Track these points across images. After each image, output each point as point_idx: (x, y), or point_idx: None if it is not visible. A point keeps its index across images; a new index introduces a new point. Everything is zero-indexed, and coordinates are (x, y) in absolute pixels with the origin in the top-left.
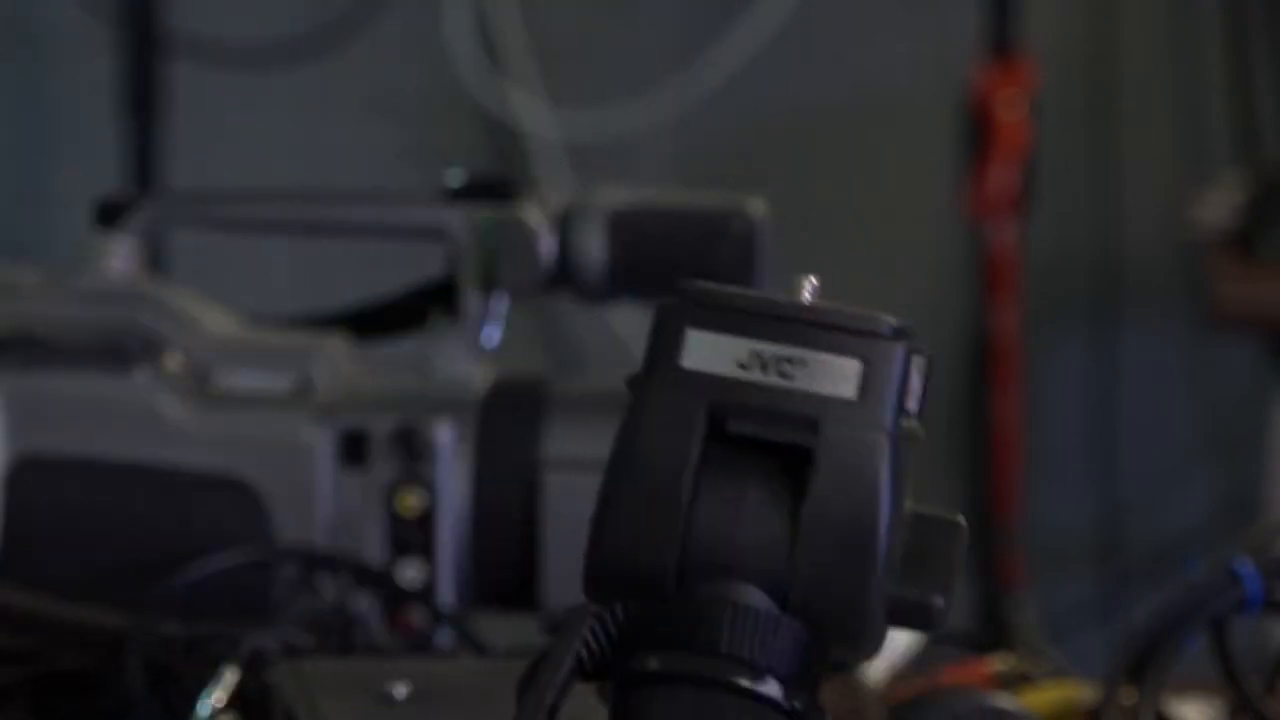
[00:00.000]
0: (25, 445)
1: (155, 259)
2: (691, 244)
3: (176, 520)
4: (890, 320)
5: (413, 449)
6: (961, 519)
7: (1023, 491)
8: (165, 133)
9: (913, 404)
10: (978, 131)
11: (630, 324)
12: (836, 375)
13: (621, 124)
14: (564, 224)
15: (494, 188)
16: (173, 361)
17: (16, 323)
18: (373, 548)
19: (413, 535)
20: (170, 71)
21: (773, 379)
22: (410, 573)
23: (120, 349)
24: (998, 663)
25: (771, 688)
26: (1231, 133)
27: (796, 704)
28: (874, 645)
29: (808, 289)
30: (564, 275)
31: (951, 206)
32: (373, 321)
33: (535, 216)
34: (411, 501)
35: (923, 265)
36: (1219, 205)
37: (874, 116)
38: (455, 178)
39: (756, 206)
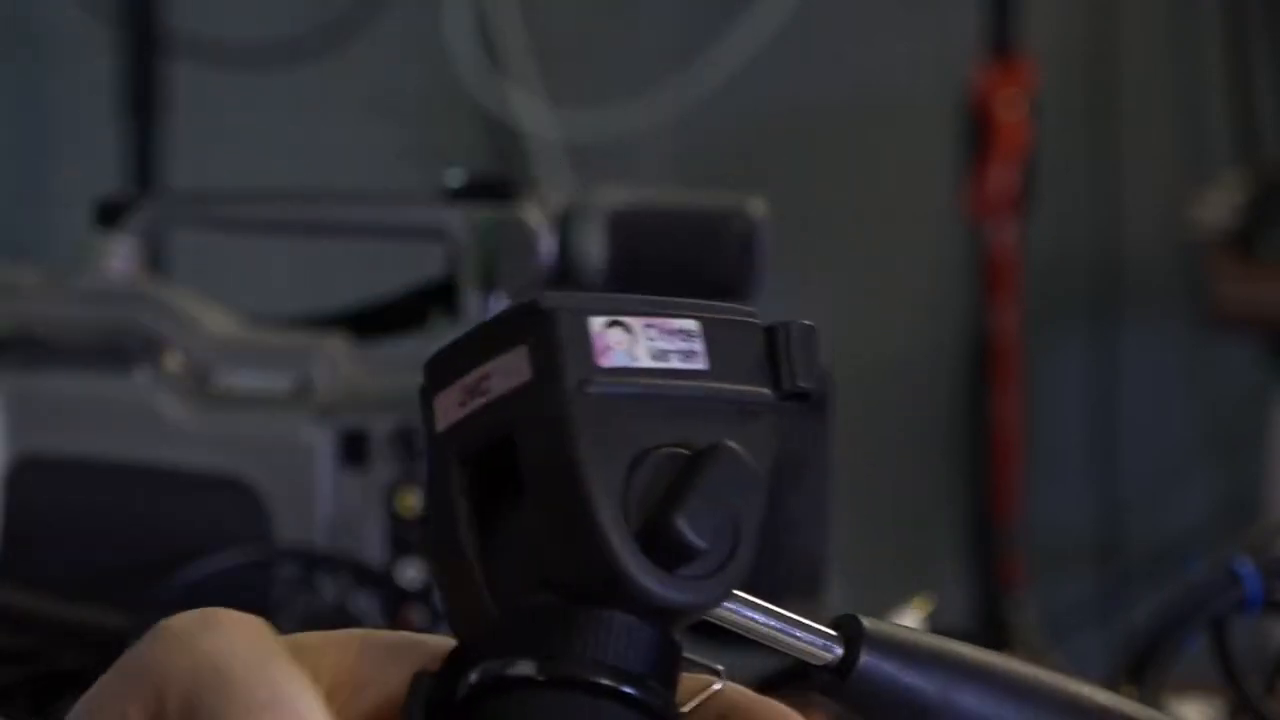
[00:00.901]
0: (25, 445)
1: (155, 259)
2: (691, 244)
3: (176, 520)
4: (542, 301)
5: (413, 449)
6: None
7: (1023, 491)
8: (165, 133)
9: (608, 359)
10: (978, 131)
11: None
12: (511, 371)
13: (621, 124)
14: (564, 224)
15: (494, 188)
16: (173, 361)
17: (16, 323)
18: (373, 548)
19: (413, 535)
20: (170, 71)
21: (478, 401)
22: (410, 573)
23: (120, 349)
24: None
25: (644, 690)
26: (1231, 133)
27: (663, 705)
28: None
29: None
30: (564, 275)
31: (951, 206)
32: (373, 321)
33: (535, 216)
34: (411, 501)
35: (923, 265)
36: (1219, 205)
37: (874, 116)
38: (455, 178)
39: (756, 206)
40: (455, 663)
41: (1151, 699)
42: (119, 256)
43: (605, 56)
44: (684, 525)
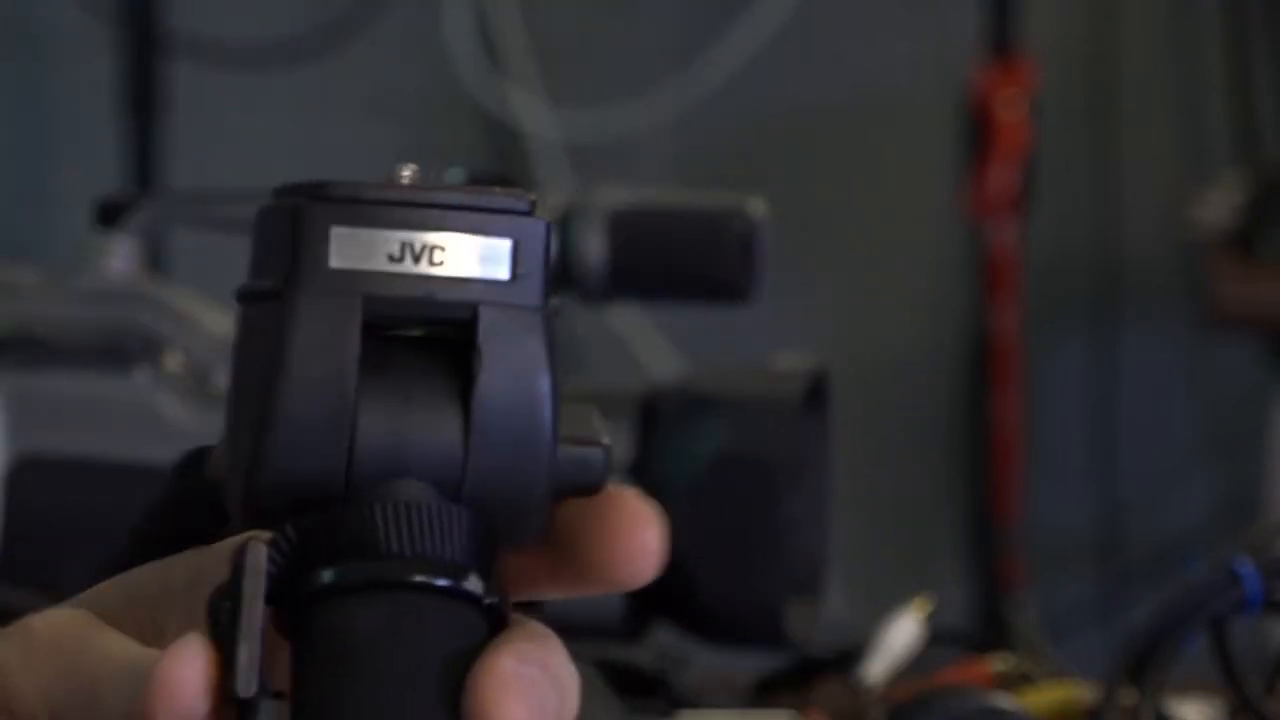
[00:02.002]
0: (25, 445)
1: (155, 259)
2: (691, 244)
3: (177, 520)
4: (529, 195)
5: None
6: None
7: (1023, 491)
8: (165, 133)
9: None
10: (978, 131)
11: (630, 324)
12: (488, 257)
13: (621, 124)
14: (564, 224)
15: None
16: (173, 361)
17: (16, 323)
18: None
19: None
20: (170, 71)
21: (424, 268)
22: None
23: (120, 349)
24: (998, 663)
25: (466, 582)
26: (1231, 133)
27: (487, 596)
28: (540, 524)
29: (406, 172)
30: (564, 275)
31: (951, 206)
32: None
33: None
34: None
35: (923, 265)
36: (1219, 205)
37: (874, 116)
38: (455, 178)
39: (756, 206)
40: (298, 537)
41: (1151, 699)
42: (119, 256)
43: (605, 56)
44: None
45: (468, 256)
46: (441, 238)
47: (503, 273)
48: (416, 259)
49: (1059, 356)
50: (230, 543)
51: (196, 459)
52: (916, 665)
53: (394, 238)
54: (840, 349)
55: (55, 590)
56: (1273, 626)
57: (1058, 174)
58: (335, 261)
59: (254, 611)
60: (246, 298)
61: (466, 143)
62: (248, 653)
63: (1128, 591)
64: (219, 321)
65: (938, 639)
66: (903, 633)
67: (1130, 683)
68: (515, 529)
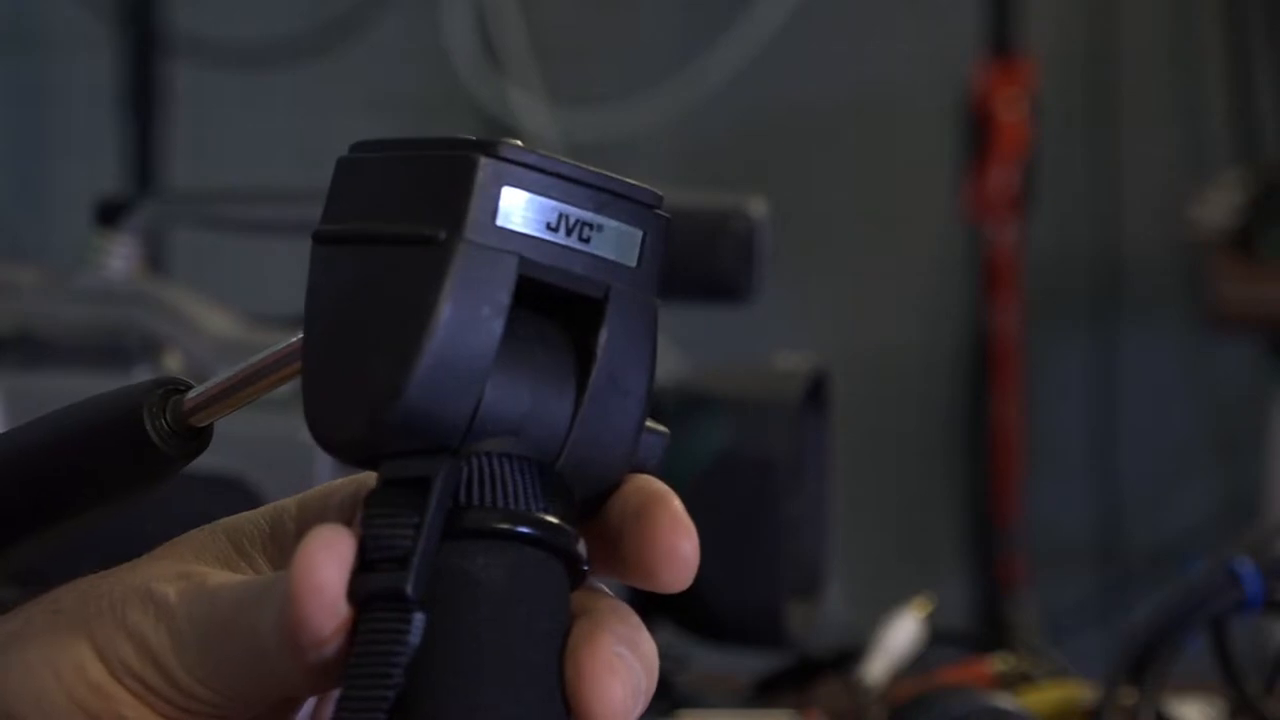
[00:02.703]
0: None
1: (155, 259)
2: (691, 244)
3: (177, 520)
4: (659, 193)
5: None
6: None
7: (1023, 491)
8: (165, 133)
9: None
10: (978, 131)
11: None
12: (624, 243)
13: (621, 124)
14: None
15: None
16: (173, 361)
17: (16, 323)
18: None
19: None
20: (170, 71)
21: (575, 242)
22: None
23: (120, 349)
24: (998, 663)
25: (576, 545)
26: (1231, 133)
27: (585, 561)
28: (606, 497)
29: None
30: None
31: (951, 206)
32: None
33: None
34: None
35: (923, 265)
36: (1219, 205)
37: (874, 116)
38: None
39: (756, 206)
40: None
41: (1151, 699)
42: (119, 256)
43: (605, 56)
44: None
45: (610, 239)
46: (593, 217)
47: (632, 259)
48: (569, 232)
49: (1059, 356)
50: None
51: (136, 395)
52: (916, 665)
53: (555, 208)
54: (840, 349)
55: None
56: (1273, 626)
57: (1058, 174)
58: (501, 219)
59: (435, 525)
60: (368, 239)
61: None
62: (425, 554)
63: (1128, 591)
64: (219, 321)
65: (938, 639)
66: (903, 633)
67: (1130, 683)
68: (590, 499)
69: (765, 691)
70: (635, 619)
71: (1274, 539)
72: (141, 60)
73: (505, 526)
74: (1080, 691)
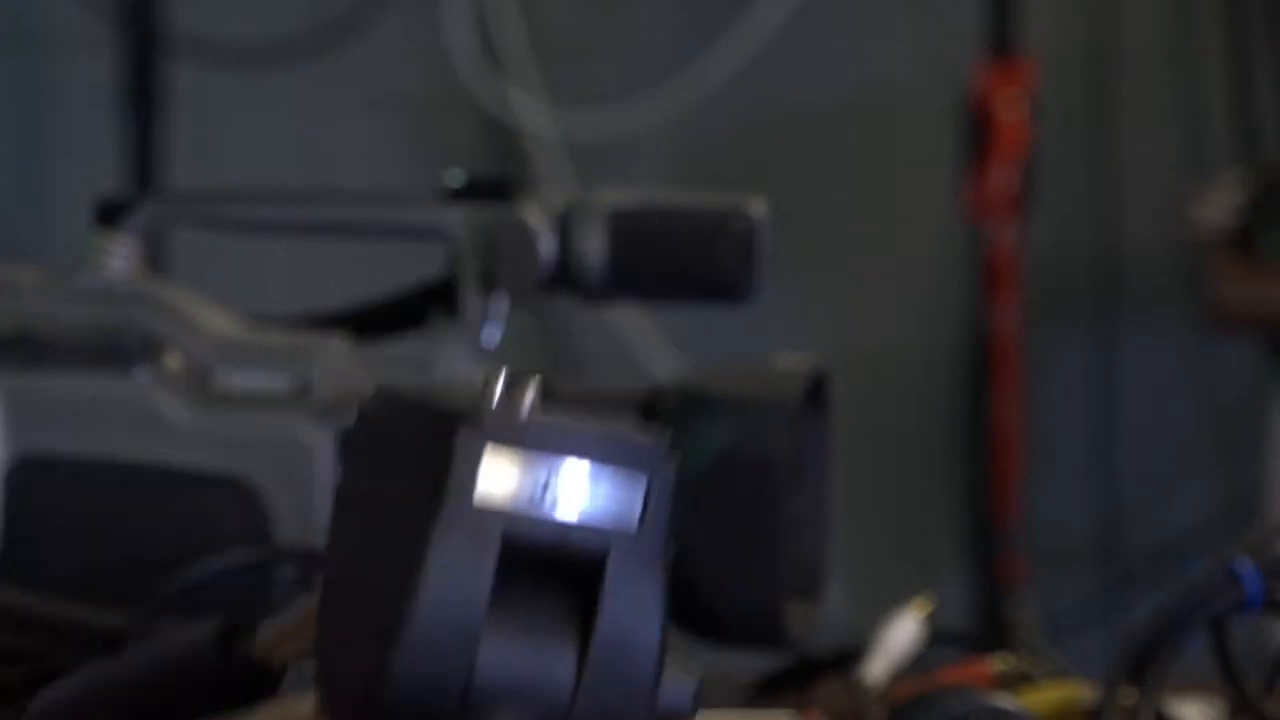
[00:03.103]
0: (25, 445)
1: (155, 259)
2: (691, 244)
3: (176, 520)
4: (665, 437)
5: None
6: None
7: (1023, 491)
8: (165, 133)
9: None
10: (978, 131)
11: (630, 324)
12: (623, 501)
13: (621, 124)
14: (564, 224)
15: (494, 188)
16: (173, 361)
17: (16, 323)
18: None
19: None
20: (170, 71)
21: (564, 511)
22: None
23: (120, 349)
24: (998, 663)
25: None
26: (1231, 133)
27: None
28: None
29: (530, 395)
30: (564, 275)
31: (951, 206)
32: (373, 321)
33: (535, 216)
34: None
35: (923, 265)
36: (1219, 205)
37: (874, 116)
38: (455, 178)
39: (756, 206)
40: None
41: (1151, 699)
42: (119, 256)
43: (605, 56)
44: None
45: (604, 502)
46: (583, 482)
47: (633, 519)
48: (559, 498)
49: (1059, 356)
50: None
51: (231, 631)
52: (916, 665)
53: (539, 479)
54: (840, 349)
55: (55, 590)
56: (1273, 626)
57: (1058, 174)
58: (480, 496)
59: None
60: (370, 502)
61: (466, 143)
62: None
63: (1128, 591)
64: (219, 321)
65: (938, 639)
66: (903, 633)
67: (1130, 683)
68: None
69: (765, 691)
70: None
71: (1274, 539)
72: (141, 60)
73: None
74: (1080, 691)
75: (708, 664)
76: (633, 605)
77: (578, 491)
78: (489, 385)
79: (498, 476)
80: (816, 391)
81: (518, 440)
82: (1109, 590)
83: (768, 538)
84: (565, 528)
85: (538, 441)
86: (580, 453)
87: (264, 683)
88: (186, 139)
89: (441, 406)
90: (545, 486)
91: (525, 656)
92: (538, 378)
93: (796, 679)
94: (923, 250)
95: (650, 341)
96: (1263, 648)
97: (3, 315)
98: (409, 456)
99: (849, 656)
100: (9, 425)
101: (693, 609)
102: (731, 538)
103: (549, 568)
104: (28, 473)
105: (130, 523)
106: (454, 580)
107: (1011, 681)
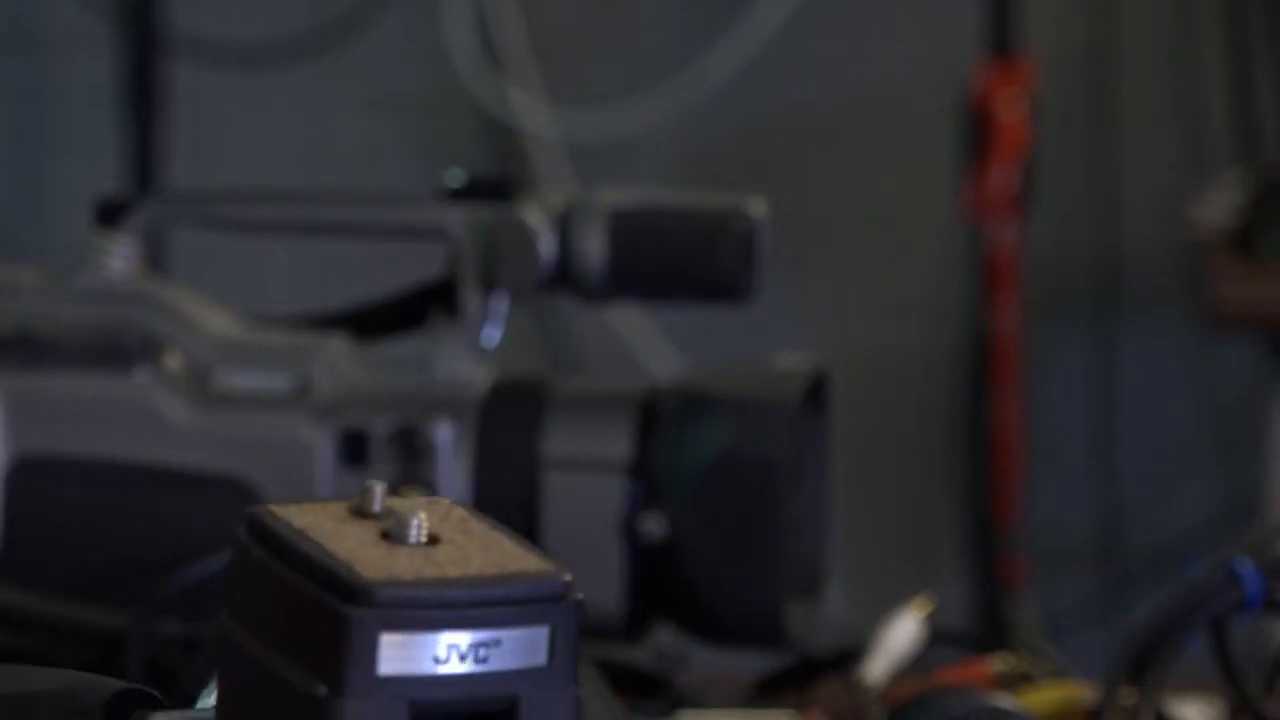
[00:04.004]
0: (25, 445)
1: (155, 259)
2: (691, 244)
3: (176, 520)
4: (565, 577)
5: (413, 449)
6: None
7: (1023, 491)
8: (165, 133)
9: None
10: (978, 131)
11: (630, 324)
12: (528, 646)
13: (621, 124)
14: (564, 224)
15: (494, 188)
16: (173, 361)
17: (16, 323)
18: None
19: None
20: (170, 71)
21: (470, 666)
22: None
23: (120, 349)
24: (998, 663)
25: None
26: (1231, 133)
27: None
28: None
29: (379, 490)
30: (564, 275)
31: (951, 206)
32: (373, 321)
33: (535, 216)
34: None
35: (923, 265)
36: (1219, 205)
37: (874, 116)
38: (455, 178)
39: (756, 206)
40: None
41: (1151, 699)
42: (119, 256)
43: (605, 56)
44: None
45: (512, 648)
46: (488, 636)
47: (540, 659)
48: (462, 658)
49: (1059, 356)
50: None
51: (122, 703)
52: (916, 665)
53: (441, 641)
54: (840, 349)
55: (55, 590)
56: (1273, 626)
57: (1058, 174)
58: (384, 669)
59: None
60: (262, 673)
61: (466, 143)
62: None
63: (1128, 591)
64: (219, 321)
65: (938, 639)
66: (903, 633)
67: (1130, 683)
68: None
69: (765, 691)
70: None
71: (1274, 539)
72: (141, 60)
73: None
74: (1080, 691)
75: (708, 664)
76: None
77: (481, 646)
78: (372, 503)
79: (397, 652)
80: (816, 391)
81: (413, 616)
82: (1109, 590)
83: (768, 538)
84: (472, 679)
85: (433, 613)
86: (477, 615)
87: None
88: (186, 139)
89: (329, 574)
90: (448, 649)
91: None
92: (421, 507)
93: (796, 679)
94: (923, 250)
95: (650, 341)
96: (1263, 648)
97: (3, 315)
98: (299, 628)
99: (849, 656)
100: (9, 425)
101: (693, 609)
102: (731, 538)
103: (460, 716)
104: (28, 473)
105: (130, 523)
106: None
107: (1011, 681)
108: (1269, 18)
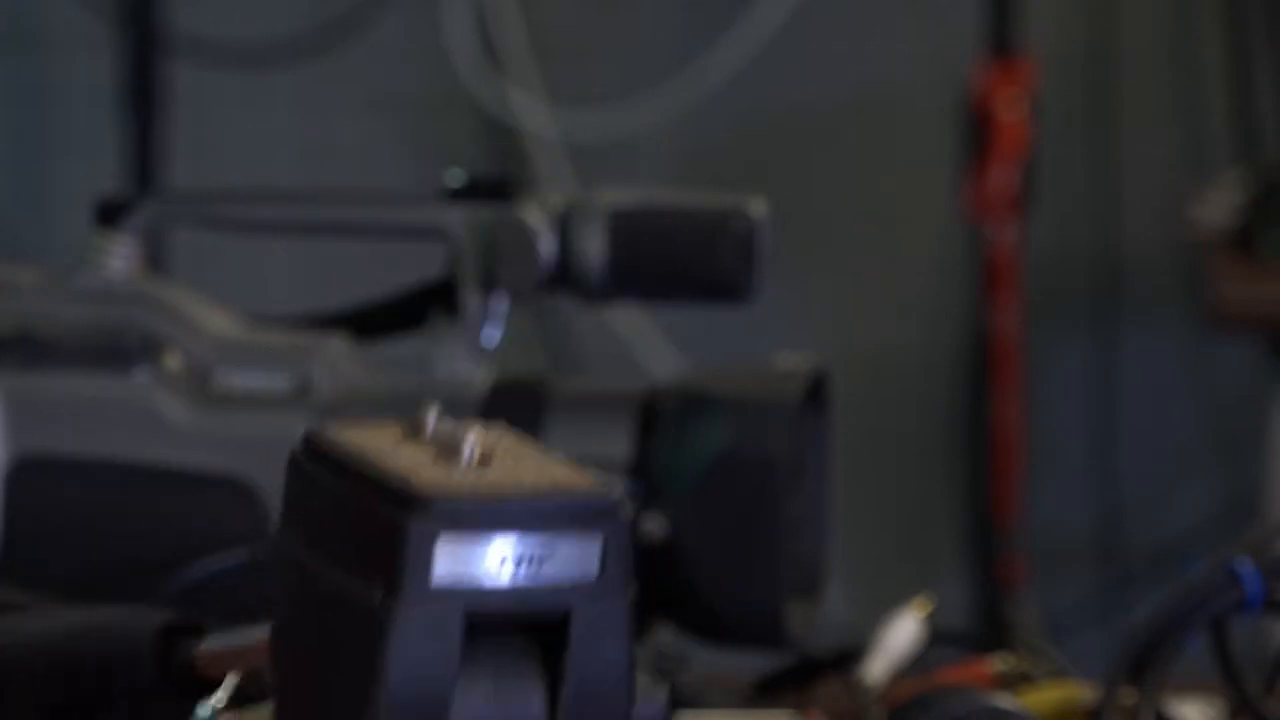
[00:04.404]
0: (25, 445)
1: (155, 259)
2: (691, 244)
3: (176, 520)
4: (617, 495)
5: None
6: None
7: (1023, 491)
8: (165, 133)
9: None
10: (978, 131)
11: (630, 324)
12: (580, 558)
13: (621, 124)
14: (564, 224)
15: (494, 188)
16: (173, 361)
17: (16, 323)
18: None
19: None
20: (170, 71)
21: (522, 579)
22: None
23: (120, 349)
24: (998, 663)
25: None
26: (1231, 133)
27: None
28: None
29: (432, 415)
30: (564, 275)
31: (951, 207)
32: (373, 321)
33: (535, 216)
34: None
35: (923, 265)
36: (1219, 205)
37: (874, 116)
38: (455, 178)
39: (756, 206)
40: None
41: (1151, 699)
42: (119, 256)
43: (605, 56)
44: None
45: (565, 560)
46: (541, 547)
47: (591, 572)
48: (516, 567)
49: (1059, 356)
50: None
51: (176, 631)
52: (916, 665)
53: (494, 550)
54: (840, 349)
55: (55, 590)
56: (1273, 626)
57: (1058, 174)
58: (439, 577)
59: None
60: (318, 584)
61: (466, 143)
62: None
63: (1128, 591)
64: (219, 321)
65: (938, 639)
66: (903, 633)
67: (1130, 683)
68: None
69: (765, 691)
70: None
71: (1274, 539)
72: (141, 60)
73: None
74: (1080, 691)
75: (708, 664)
76: (600, 652)
77: (533, 558)
78: (425, 426)
79: (452, 561)
80: (816, 391)
81: (468, 523)
82: (1109, 590)
83: (768, 538)
84: (524, 593)
85: (488, 520)
86: (531, 522)
87: (196, 689)
88: (186, 139)
89: (386, 485)
90: (501, 560)
91: (498, 714)
92: (475, 428)
93: (796, 679)
94: (923, 250)
95: (650, 341)
96: (1263, 648)
97: (3, 315)
98: (356, 539)
99: (849, 656)
100: (9, 425)
101: (693, 609)
102: (731, 538)
103: (512, 627)
104: (28, 473)
105: (130, 523)
106: (419, 663)
107: (1011, 681)
108: (1269, 18)
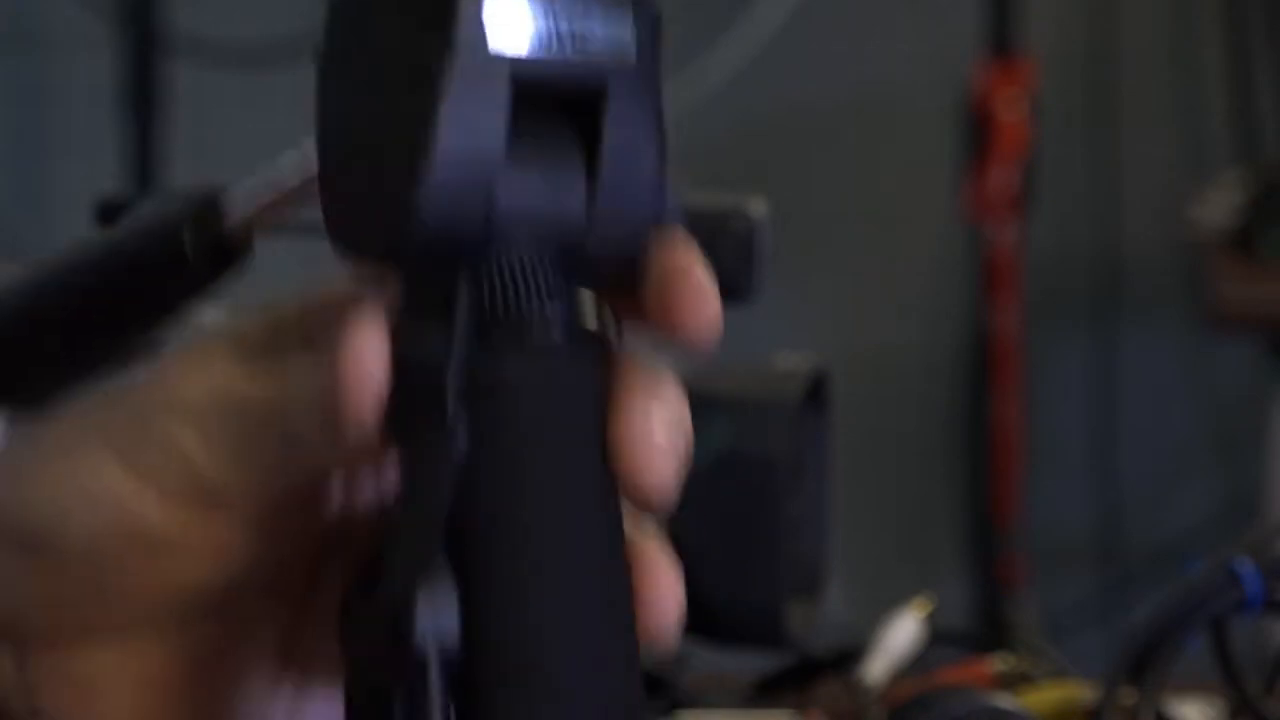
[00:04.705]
0: None
1: None
2: None
3: None
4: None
5: None
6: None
7: (1023, 491)
8: (165, 133)
9: None
10: (978, 131)
11: None
12: (616, 41)
13: None
14: None
15: None
16: None
17: None
18: None
19: None
20: (170, 71)
21: (568, 49)
22: None
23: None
24: (998, 663)
25: (604, 332)
26: (1231, 133)
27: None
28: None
29: None
30: None
31: (951, 207)
32: None
33: None
34: None
35: (923, 265)
36: (1219, 205)
37: (874, 116)
38: None
39: (756, 206)
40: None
41: (1151, 699)
42: None
43: None
44: None
45: (600, 41)
46: (579, 22)
47: (628, 53)
48: (557, 41)
49: (1059, 356)
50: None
51: (204, 209)
52: (916, 665)
53: (539, 22)
54: (840, 349)
55: None
56: (1273, 626)
57: (1058, 174)
58: (491, 42)
59: (463, 336)
60: (364, 63)
61: None
62: (457, 367)
63: (1128, 591)
64: (219, 321)
65: (938, 639)
66: (903, 633)
67: (1130, 683)
68: (623, 273)
69: (765, 691)
70: (666, 375)
71: (1274, 539)
72: (141, 60)
73: (535, 335)
74: (1080, 691)
75: (708, 664)
76: (634, 128)
77: (575, 30)
78: None
79: (505, 20)
80: (816, 391)
81: None
82: (1109, 590)
83: (768, 538)
84: (568, 64)
85: None
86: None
87: (229, 261)
88: (186, 139)
89: None
90: (545, 29)
91: (540, 184)
92: None
93: (796, 679)
94: (923, 250)
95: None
96: (1263, 648)
97: None
98: (402, 17)
99: (849, 656)
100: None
101: (693, 609)
102: (731, 538)
103: (552, 105)
104: None
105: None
106: (471, 121)
107: (1011, 681)
108: (1269, 18)
